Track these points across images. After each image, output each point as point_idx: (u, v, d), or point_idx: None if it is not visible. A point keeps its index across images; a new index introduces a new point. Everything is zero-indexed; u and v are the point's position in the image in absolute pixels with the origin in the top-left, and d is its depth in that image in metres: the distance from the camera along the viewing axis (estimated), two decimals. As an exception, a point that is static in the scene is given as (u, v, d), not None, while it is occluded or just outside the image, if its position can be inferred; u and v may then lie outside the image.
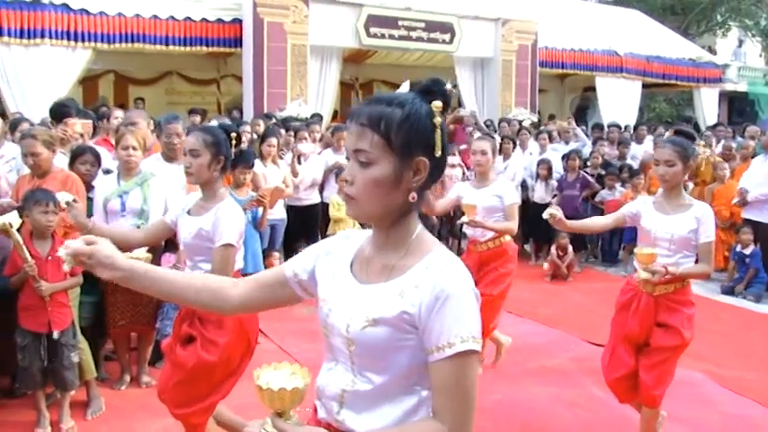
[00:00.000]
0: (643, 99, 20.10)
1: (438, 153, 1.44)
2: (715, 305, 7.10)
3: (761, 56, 24.61)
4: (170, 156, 5.12)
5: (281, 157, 7.06)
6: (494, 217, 4.57)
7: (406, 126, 1.42)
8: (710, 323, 6.33)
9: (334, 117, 13.72)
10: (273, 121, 8.94)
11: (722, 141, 9.28)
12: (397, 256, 1.49)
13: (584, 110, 17.35)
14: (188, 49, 11.81)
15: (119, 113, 6.56)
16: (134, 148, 4.54)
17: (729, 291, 7.50)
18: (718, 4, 22.71)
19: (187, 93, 15.16)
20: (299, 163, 7.29)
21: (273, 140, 6.85)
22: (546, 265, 7.96)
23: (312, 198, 7.48)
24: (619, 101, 15.84)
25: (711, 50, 21.48)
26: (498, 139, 7.84)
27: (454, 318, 1.37)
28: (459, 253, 6.44)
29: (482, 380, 4.74)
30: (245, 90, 12.24)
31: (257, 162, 6.64)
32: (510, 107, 13.89)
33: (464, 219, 4.55)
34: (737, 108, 21.70)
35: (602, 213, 8.53)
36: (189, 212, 3.22)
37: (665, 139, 3.64)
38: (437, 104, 1.45)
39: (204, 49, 12.04)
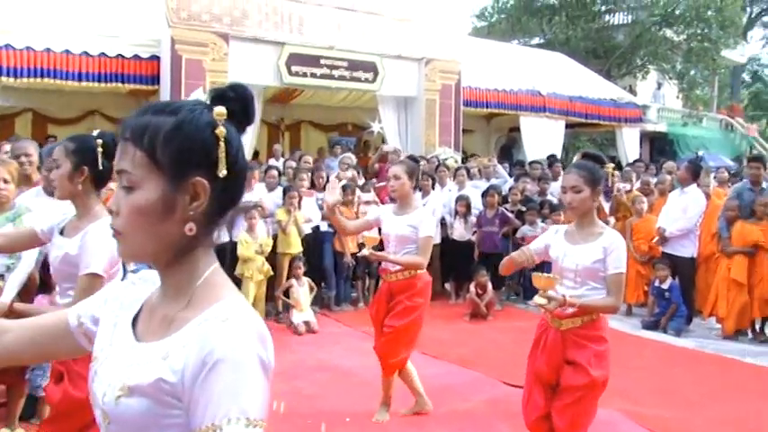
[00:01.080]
0: (568, 139, 20.43)
1: (222, 172, 1.13)
2: (637, 341, 7.01)
3: (678, 98, 25.44)
4: (52, 188, 4.71)
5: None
6: (406, 248, 4.33)
7: (177, 138, 1.13)
8: (632, 359, 6.22)
9: (255, 157, 13.41)
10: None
11: (641, 177, 9.31)
12: (177, 305, 1.17)
13: (509, 149, 17.47)
14: (102, 85, 11.36)
15: (7, 147, 6.14)
16: (5, 181, 4.14)
17: (651, 326, 7.42)
18: (637, 48, 23.44)
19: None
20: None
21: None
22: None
23: (224, 236, 7.09)
24: (542, 140, 15.97)
25: (632, 92, 22.07)
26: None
27: (224, 391, 1.03)
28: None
29: (387, 426, 4.45)
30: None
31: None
32: (434, 146, 13.80)
33: (364, 251, 4.31)
34: (658, 147, 22.30)
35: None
36: (61, 232, 2.81)
37: (571, 164, 3.44)
38: (219, 111, 1.16)
39: (120, 86, 11.61)
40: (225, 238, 7.16)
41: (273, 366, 1.11)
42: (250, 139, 12.56)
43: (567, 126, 17.43)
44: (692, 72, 24.73)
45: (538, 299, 3.09)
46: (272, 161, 10.26)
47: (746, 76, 41.40)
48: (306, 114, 16.25)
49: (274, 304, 7.49)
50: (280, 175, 8.22)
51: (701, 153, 18.57)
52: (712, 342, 7.02)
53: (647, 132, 22.39)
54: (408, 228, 4.32)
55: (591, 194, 3.16)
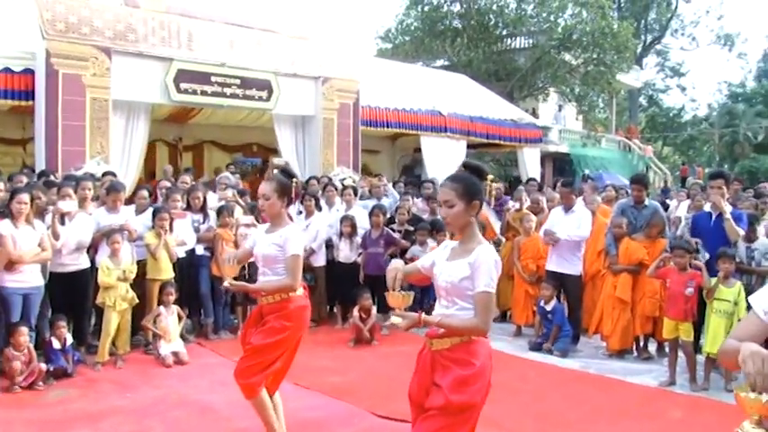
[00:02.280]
0: (471, 158, 20.60)
1: None
2: (522, 363, 6.83)
3: (577, 119, 26.16)
4: None
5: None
6: (275, 268, 4.02)
7: None
8: (516, 383, 6.04)
9: (152, 178, 12.79)
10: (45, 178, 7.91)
11: (531, 195, 9.22)
12: None
13: (411, 169, 17.36)
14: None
15: None
16: None
17: (537, 347, 7.27)
18: (537, 70, 23.96)
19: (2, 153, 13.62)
20: (63, 223, 6.35)
21: (24, 197, 5.91)
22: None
23: (79, 263, 6.54)
24: (444, 159, 15.91)
25: (535, 114, 22.51)
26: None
27: None
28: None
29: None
30: (36, 147, 11.06)
31: (6, 223, 5.70)
32: (332, 165, 13.53)
33: (226, 283, 3.98)
34: (559, 167, 22.74)
35: (412, 272, 8.16)
36: None
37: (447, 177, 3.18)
38: None
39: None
40: (84, 264, 6.63)
41: None
42: (136, 159, 11.97)
43: (470, 146, 17.52)
44: (590, 95, 25.48)
45: (393, 318, 2.93)
46: (163, 182, 9.69)
47: (643, 101, 43.26)
48: (207, 134, 15.79)
49: (145, 334, 6.95)
50: (150, 196, 7.69)
51: (587, 172, 19.00)
52: (597, 362, 6.92)
53: (549, 153, 22.88)
54: (274, 246, 4.01)
55: (465, 208, 2.96)
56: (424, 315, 2.94)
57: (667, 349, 6.59)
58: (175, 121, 14.91)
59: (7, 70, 10.75)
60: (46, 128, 10.62)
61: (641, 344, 7.25)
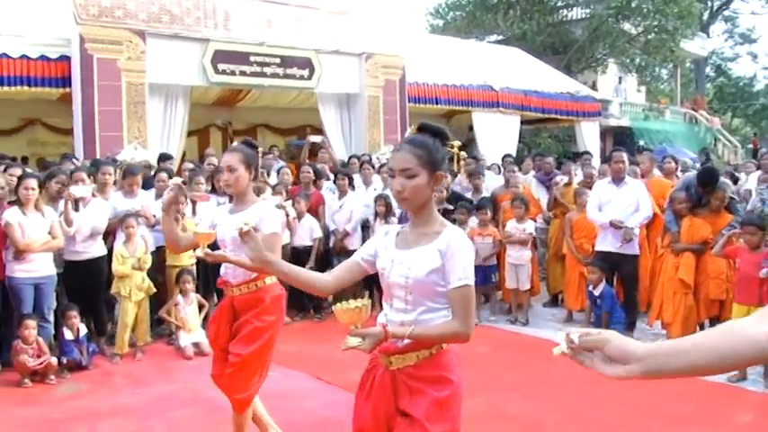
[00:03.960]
0: (528, 135, 19.84)
1: None
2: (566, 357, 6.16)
3: (638, 91, 24.96)
4: None
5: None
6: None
7: None
8: (559, 379, 5.47)
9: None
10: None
11: (584, 170, 8.50)
12: None
13: (464, 147, 16.71)
14: (6, 89, 10.42)
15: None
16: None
17: (588, 336, 6.60)
18: (595, 41, 22.86)
19: (53, 143, 13.62)
20: (76, 209, 6.03)
21: (32, 183, 5.61)
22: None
23: (93, 251, 6.21)
24: (497, 136, 15.28)
25: (594, 87, 21.50)
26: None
27: None
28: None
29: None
30: (75, 134, 10.90)
31: (14, 210, 5.41)
32: (379, 144, 13.03)
33: (198, 252, 3.42)
34: (620, 142, 21.70)
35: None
36: None
37: (404, 138, 2.54)
38: None
39: (27, 89, 10.66)
40: (99, 251, 6.30)
41: None
42: (176, 143, 11.72)
43: (525, 122, 16.80)
44: (652, 65, 24.25)
45: (350, 340, 2.18)
46: (186, 164, 9.39)
47: (711, 71, 41.24)
48: (258, 118, 15.52)
49: (168, 324, 6.61)
50: (170, 178, 7.31)
51: (642, 143, 18.03)
52: (658, 352, 6.21)
53: (609, 127, 21.88)
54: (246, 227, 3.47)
55: (428, 180, 2.32)
56: (390, 328, 2.26)
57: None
58: (224, 105, 14.69)
59: (44, 57, 10.62)
60: (83, 114, 10.46)
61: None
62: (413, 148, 2.33)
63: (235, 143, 3.76)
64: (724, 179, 7.04)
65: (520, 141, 16.82)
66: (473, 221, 7.44)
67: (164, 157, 9.68)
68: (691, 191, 6.70)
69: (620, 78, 24.43)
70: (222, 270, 3.69)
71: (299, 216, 7.52)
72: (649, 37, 22.84)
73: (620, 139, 21.75)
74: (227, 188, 3.66)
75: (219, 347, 3.66)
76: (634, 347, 1.32)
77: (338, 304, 2.19)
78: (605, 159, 7.24)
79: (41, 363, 5.42)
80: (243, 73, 11.79)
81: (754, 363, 1.33)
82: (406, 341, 2.29)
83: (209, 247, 3.37)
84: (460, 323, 2.27)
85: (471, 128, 15.91)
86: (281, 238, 3.67)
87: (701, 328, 6.47)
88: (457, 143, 2.58)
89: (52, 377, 5.49)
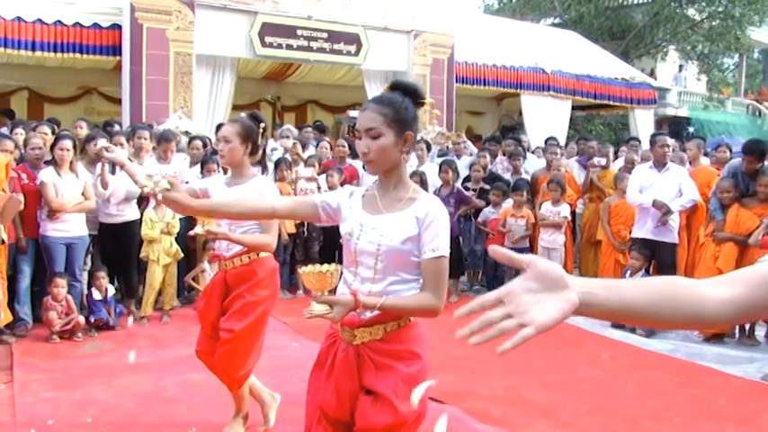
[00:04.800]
0: (581, 122, 19.41)
1: None
2: (599, 341, 6.04)
3: (698, 80, 24.13)
4: None
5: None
6: (243, 226, 3.42)
7: None
8: (585, 365, 5.34)
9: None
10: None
11: (626, 155, 8.24)
12: None
13: (511, 130, 16.46)
14: (59, 56, 10.65)
15: None
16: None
17: (621, 324, 6.42)
18: (655, 26, 22.15)
19: (108, 112, 13.90)
20: (113, 173, 6.12)
21: (67, 144, 5.70)
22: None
23: (127, 214, 6.32)
24: (546, 120, 14.95)
25: (653, 74, 20.88)
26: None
27: None
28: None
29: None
30: (123, 102, 11.08)
31: (49, 170, 5.51)
32: (424, 124, 12.88)
33: (197, 229, 3.41)
34: (677, 132, 21.06)
35: (486, 236, 7.50)
36: None
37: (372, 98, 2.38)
38: None
39: (79, 56, 10.86)
40: (133, 215, 6.39)
41: None
42: (221, 115, 11.80)
43: (577, 107, 16.42)
44: (716, 53, 23.37)
45: (314, 307, 2.04)
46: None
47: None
48: (308, 94, 15.54)
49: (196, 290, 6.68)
50: (205, 146, 7.36)
51: (691, 130, 17.46)
52: (689, 345, 5.96)
53: (666, 116, 21.25)
54: None
55: (396, 141, 2.16)
56: (361, 297, 2.08)
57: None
58: (274, 80, 14.75)
59: (96, 26, 10.80)
60: (131, 83, 10.64)
61: (746, 327, 6.26)
62: (378, 106, 2.18)
63: (242, 114, 3.69)
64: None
65: (571, 127, 16.46)
66: (508, 202, 7.30)
67: (220, 128, 9.74)
68: (738, 179, 6.44)
69: (680, 66, 23.64)
70: (216, 244, 3.67)
71: (332, 189, 7.49)
72: (713, 23, 22.03)
73: (677, 129, 21.10)
74: (221, 159, 3.62)
75: (209, 322, 3.57)
76: (563, 271, 1.13)
77: (305, 267, 2.09)
78: (650, 144, 6.98)
79: (69, 321, 5.53)
80: (290, 47, 11.81)
81: (691, 324, 1.17)
82: (372, 313, 2.16)
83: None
84: (433, 296, 2.14)
85: (521, 112, 15.66)
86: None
87: (740, 326, 6.22)
88: (431, 101, 2.42)
89: (79, 335, 5.61)
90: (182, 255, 6.37)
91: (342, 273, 2.23)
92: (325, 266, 2.08)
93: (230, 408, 3.79)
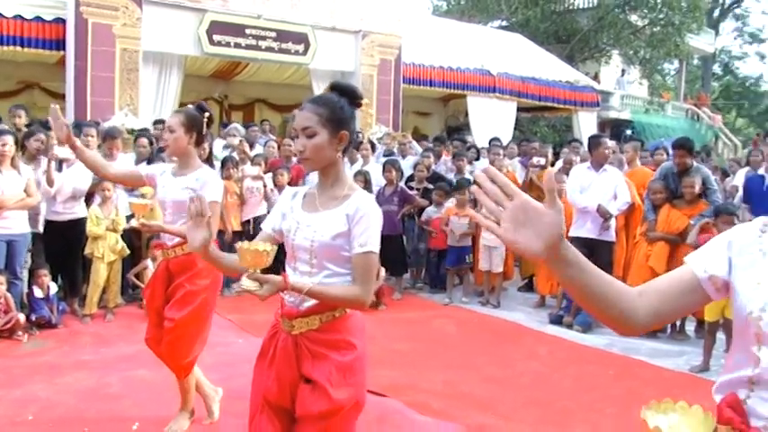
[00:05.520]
0: (526, 123, 19.79)
1: None
2: (537, 337, 6.24)
3: (641, 84, 24.83)
4: None
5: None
6: (185, 217, 3.46)
7: None
8: (524, 360, 5.52)
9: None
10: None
11: (565, 156, 8.50)
12: None
13: (457, 130, 16.70)
14: (3, 49, 10.42)
15: None
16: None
17: (557, 320, 6.68)
18: (600, 31, 22.72)
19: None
20: (59, 169, 6.07)
21: (7, 139, 5.64)
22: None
23: (76, 212, 6.26)
24: (492, 121, 15.22)
25: (596, 78, 21.40)
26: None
27: None
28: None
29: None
30: (67, 98, 10.90)
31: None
32: (370, 124, 13.01)
33: (133, 222, 3.47)
34: (619, 134, 21.63)
35: (429, 235, 7.66)
36: None
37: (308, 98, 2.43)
38: None
39: (20, 50, 10.64)
40: (82, 213, 6.35)
41: None
42: (168, 113, 11.68)
43: (522, 109, 16.72)
44: (658, 59, 24.10)
45: (244, 282, 2.09)
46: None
47: (718, 69, 41.00)
48: (256, 93, 15.47)
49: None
50: (151, 144, 7.34)
51: (629, 133, 18.03)
52: (624, 340, 6.18)
53: (609, 119, 21.80)
54: (187, 191, 3.44)
55: (330, 139, 2.25)
56: (291, 279, 2.18)
57: (706, 331, 5.87)
58: (221, 79, 14.68)
59: (38, 19, 10.61)
60: (75, 79, 10.48)
61: (677, 322, 6.56)
62: (314, 106, 2.28)
63: (189, 106, 3.74)
64: (702, 167, 7.04)
65: (516, 129, 16.76)
66: (451, 202, 7.47)
67: (158, 123, 9.71)
68: (668, 180, 6.73)
69: (623, 71, 24.27)
70: (161, 236, 3.72)
71: (280, 188, 7.55)
72: (655, 30, 22.71)
73: (619, 132, 21.69)
74: (166, 149, 3.67)
75: (155, 311, 3.63)
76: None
77: (243, 243, 2.16)
78: (588, 146, 7.21)
79: (8, 319, 5.47)
80: (238, 45, 11.79)
81: (616, 322, 1.38)
82: (309, 304, 2.26)
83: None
84: (360, 289, 2.23)
85: (467, 113, 15.90)
86: (220, 206, 3.64)
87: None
88: (366, 101, 2.52)
89: (20, 333, 5.54)
90: (127, 252, 6.35)
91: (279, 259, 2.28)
92: (262, 245, 2.14)
93: (175, 403, 3.85)
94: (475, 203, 7.62)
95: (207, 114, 3.62)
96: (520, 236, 1.24)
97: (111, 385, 4.48)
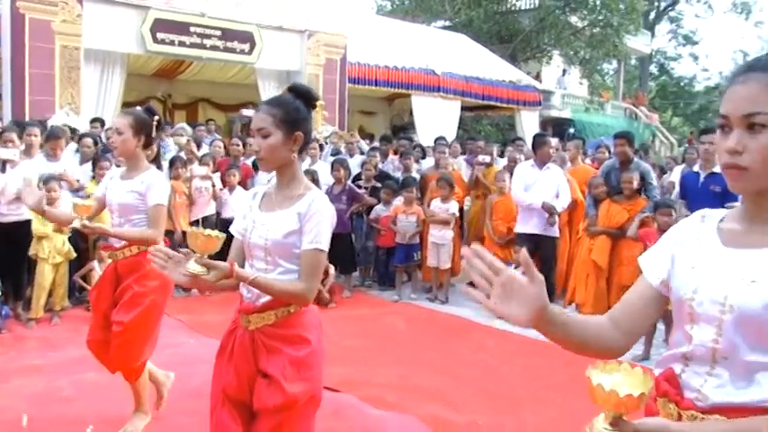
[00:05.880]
0: (469, 122, 20.09)
1: None
2: (484, 331, 6.36)
3: (581, 83, 25.44)
4: None
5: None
6: (133, 220, 3.48)
7: None
8: (473, 353, 5.63)
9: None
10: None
11: (509, 154, 8.71)
12: None
13: (402, 129, 16.87)
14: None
15: None
16: None
17: (505, 314, 6.80)
18: (541, 32, 23.21)
19: None
20: (3, 170, 5.94)
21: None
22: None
23: (21, 213, 6.09)
24: (436, 120, 15.42)
25: (538, 78, 21.86)
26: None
27: None
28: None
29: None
30: (3, 95, 10.61)
31: None
32: (317, 123, 13.02)
33: (75, 223, 3.43)
34: (561, 133, 22.12)
35: (377, 233, 7.74)
36: None
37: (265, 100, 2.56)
38: None
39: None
40: (26, 215, 6.21)
41: None
42: (111, 112, 11.49)
43: (466, 108, 16.97)
44: (597, 59, 24.72)
45: (191, 265, 2.14)
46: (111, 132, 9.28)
47: (655, 69, 42.24)
48: (200, 92, 15.31)
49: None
50: (96, 144, 7.24)
51: (571, 131, 18.50)
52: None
53: (551, 118, 22.27)
54: (132, 194, 3.46)
55: (284, 140, 2.33)
56: (237, 267, 2.23)
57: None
58: (165, 77, 14.47)
59: (-30, 14, 10.30)
60: (12, 76, 10.22)
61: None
62: (269, 107, 2.36)
63: (137, 108, 3.72)
64: (643, 163, 7.28)
65: (460, 127, 17.01)
66: (399, 200, 7.57)
67: (95, 121, 9.55)
68: (610, 177, 6.96)
69: (564, 70, 24.84)
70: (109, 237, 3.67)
71: (231, 188, 7.54)
72: (594, 31, 23.30)
73: (561, 130, 22.18)
74: (114, 150, 3.66)
75: (101, 313, 3.58)
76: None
77: (194, 228, 2.24)
78: (532, 144, 7.40)
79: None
80: (182, 44, 11.68)
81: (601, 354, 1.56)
82: (265, 299, 2.33)
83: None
84: (304, 284, 2.29)
85: (412, 112, 16.07)
86: (165, 209, 3.57)
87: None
88: (321, 103, 2.60)
89: (-39, 338, 5.42)
90: (74, 254, 6.24)
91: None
92: (212, 232, 2.22)
93: (129, 403, 3.83)
94: (421, 201, 7.76)
95: (156, 118, 3.60)
96: (507, 308, 1.35)
97: (63, 389, 4.42)
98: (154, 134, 3.60)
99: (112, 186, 3.55)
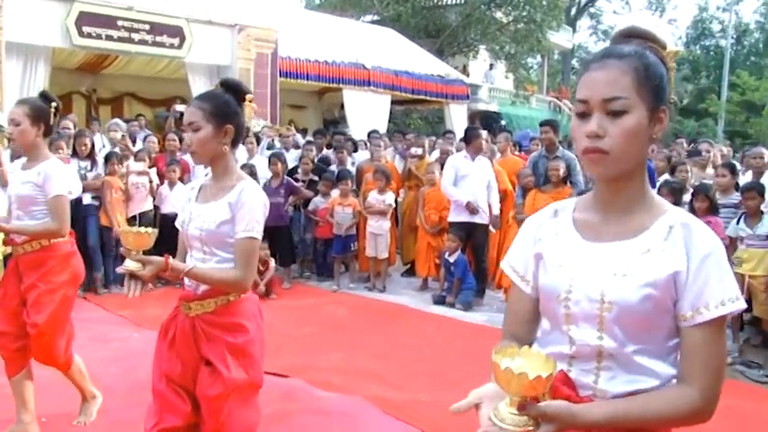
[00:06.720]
0: (399, 116, 20.35)
1: None
2: (423, 317, 6.62)
3: (506, 77, 26.07)
4: None
5: None
6: (32, 212, 3.37)
7: None
8: (413, 338, 5.86)
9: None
10: None
11: (440, 147, 8.97)
12: None
13: (334, 123, 16.99)
14: None
15: None
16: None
17: (441, 301, 7.08)
18: (467, 27, 23.66)
19: None
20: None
21: None
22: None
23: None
24: (367, 114, 15.58)
25: (465, 72, 22.28)
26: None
27: None
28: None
29: (91, 428, 3.69)
30: None
31: None
32: (248, 117, 13.01)
33: None
34: (488, 126, 22.65)
35: (316, 225, 7.88)
36: None
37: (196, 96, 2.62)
38: None
39: None
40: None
41: None
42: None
43: (396, 102, 17.17)
44: (522, 54, 25.36)
45: (128, 263, 2.24)
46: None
47: (576, 63, 43.54)
48: (125, 86, 14.95)
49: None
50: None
51: (502, 123, 19.01)
52: (502, 316, 6.70)
53: (478, 111, 22.77)
54: (30, 185, 3.34)
55: (214, 133, 2.39)
56: (172, 260, 2.32)
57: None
58: (89, 72, 14.12)
59: None
60: (-72, 70, 9.88)
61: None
62: (199, 102, 2.43)
63: (33, 96, 3.62)
64: (568, 152, 7.61)
65: (391, 121, 17.22)
66: (336, 192, 7.72)
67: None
68: (537, 166, 7.28)
69: (490, 65, 25.40)
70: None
71: (172, 184, 7.54)
72: (519, 26, 23.88)
73: (488, 123, 22.71)
74: (12, 142, 3.61)
75: (9, 309, 3.47)
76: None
77: (125, 227, 2.32)
78: (465, 137, 7.65)
79: None
80: (109, 38, 11.46)
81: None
82: (205, 288, 2.41)
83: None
84: (239, 272, 2.36)
85: (343, 106, 16.18)
86: (66, 199, 3.43)
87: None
88: (250, 96, 2.67)
89: None
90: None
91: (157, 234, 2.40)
92: (144, 228, 2.32)
93: (76, 393, 3.87)
94: (357, 193, 7.93)
95: (54, 104, 3.47)
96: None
97: (4, 386, 4.40)
98: (52, 121, 3.48)
99: (13, 178, 3.47)
